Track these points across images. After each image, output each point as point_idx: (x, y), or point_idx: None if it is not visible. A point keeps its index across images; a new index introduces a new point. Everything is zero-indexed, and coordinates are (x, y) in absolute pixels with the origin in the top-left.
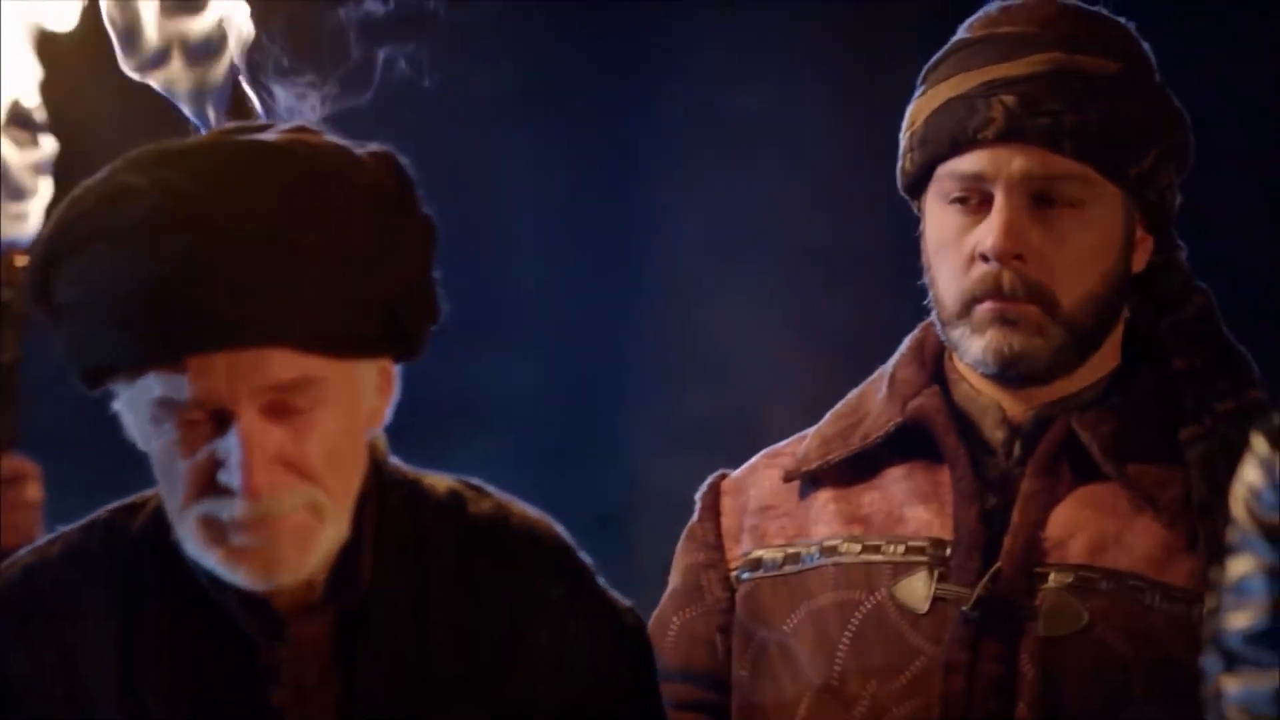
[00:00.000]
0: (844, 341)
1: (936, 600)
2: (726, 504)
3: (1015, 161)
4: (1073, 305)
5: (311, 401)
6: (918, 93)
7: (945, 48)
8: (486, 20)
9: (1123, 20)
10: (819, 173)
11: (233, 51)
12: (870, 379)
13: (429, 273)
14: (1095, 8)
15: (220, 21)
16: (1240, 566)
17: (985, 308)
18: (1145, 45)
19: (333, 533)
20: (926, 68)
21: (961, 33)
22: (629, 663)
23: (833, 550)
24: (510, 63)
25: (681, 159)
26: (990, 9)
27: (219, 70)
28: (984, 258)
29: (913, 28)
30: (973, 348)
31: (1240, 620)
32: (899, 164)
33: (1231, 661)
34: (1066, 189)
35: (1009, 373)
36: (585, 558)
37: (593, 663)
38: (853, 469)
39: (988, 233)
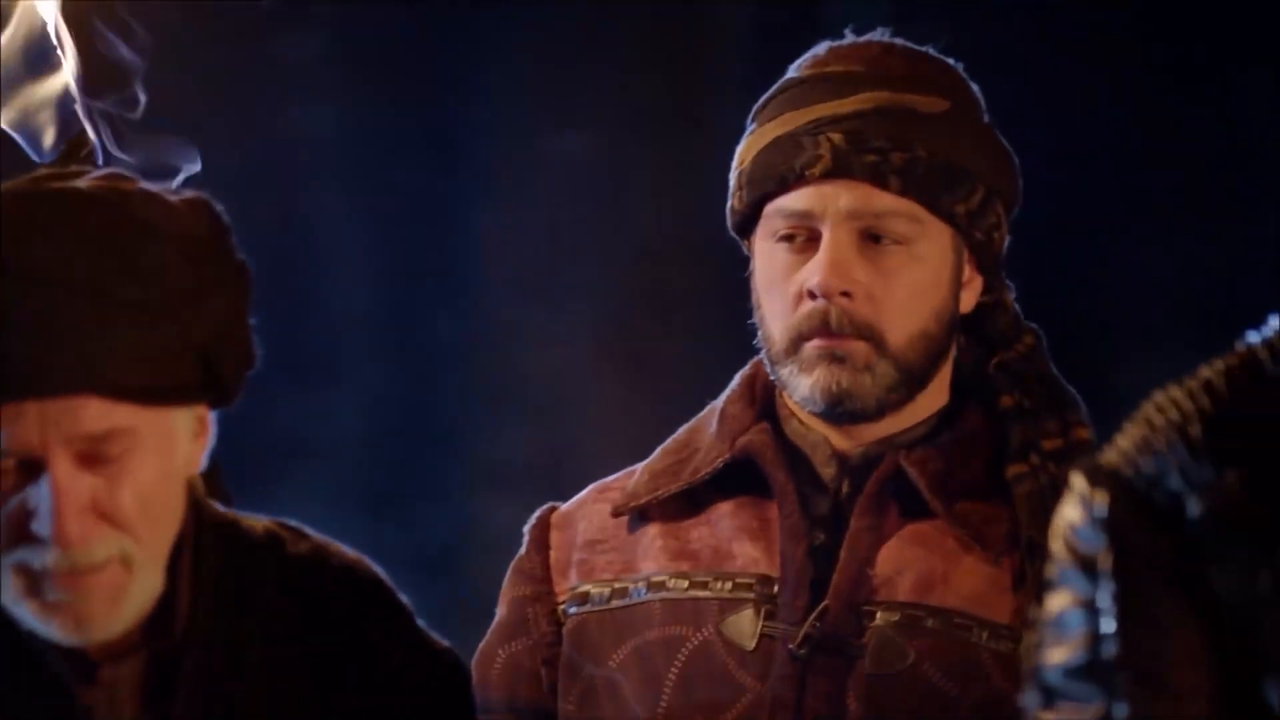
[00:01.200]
0: (672, 381)
1: (764, 637)
2: (555, 537)
3: (842, 198)
4: (901, 342)
5: (124, 450)
6: (747, 131)
7: (775, 87)
8: (306, 61)
9: (951, 61)
10: (647, 211)
11: (73, 91)
12: (701, 415)
13: (244, 319)
14: (924, 48)
15: (63, 62)
16: (1058, 601)
17: (813, 345)
18: (974, 86)
19: (144, 586)
20: (756, 107)
21: (791, 73)
22: (447, 703)
23: (660, 585)
24: (331, 103)
25: (507, 198)
26: (819, 50)
27: (57, 109)
28: (811, 295)
29: (742, 67)
30: (801, 385)
31: (1058, 655)
32: (728, 203)
33: (1050, 697)
34: (894, 226)
35: (837, 410)
36: (403, 598)
37: (410, 703)
38: (682, 504)
39: (815, 270)
